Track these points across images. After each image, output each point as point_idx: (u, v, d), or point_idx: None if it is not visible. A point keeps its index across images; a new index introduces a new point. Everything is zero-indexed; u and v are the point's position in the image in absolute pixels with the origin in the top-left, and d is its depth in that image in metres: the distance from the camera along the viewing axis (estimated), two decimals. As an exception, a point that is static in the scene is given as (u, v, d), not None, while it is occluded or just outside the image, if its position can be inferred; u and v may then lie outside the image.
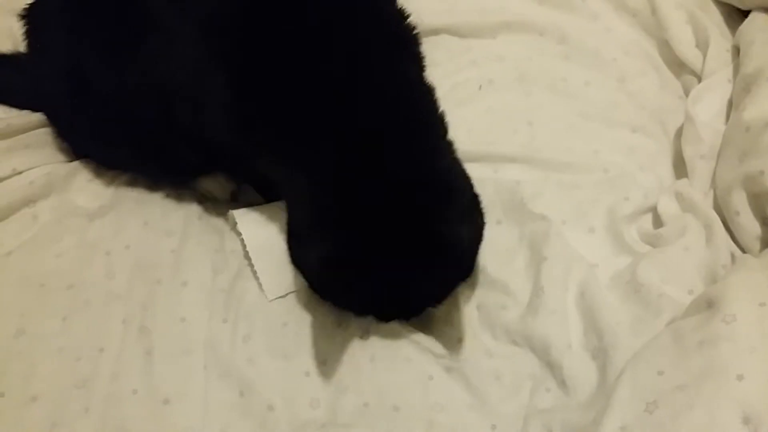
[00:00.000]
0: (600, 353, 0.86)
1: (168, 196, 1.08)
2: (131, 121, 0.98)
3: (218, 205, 1.06)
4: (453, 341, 0.92)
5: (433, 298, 0.90)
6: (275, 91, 0.84)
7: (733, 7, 1.21)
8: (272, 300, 0.95)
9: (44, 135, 1.12)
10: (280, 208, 0.99)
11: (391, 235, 0.81)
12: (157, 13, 0.90)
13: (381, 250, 0.82)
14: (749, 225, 0.95)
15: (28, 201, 1.06)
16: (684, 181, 1.04)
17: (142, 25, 0.91)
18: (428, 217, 0.82)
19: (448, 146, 0.89)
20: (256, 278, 0.97)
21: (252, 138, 0.88)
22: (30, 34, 1.03)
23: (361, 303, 0.89)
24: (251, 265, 0.98)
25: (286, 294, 0.96)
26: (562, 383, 0.86)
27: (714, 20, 1.20)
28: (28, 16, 1.03)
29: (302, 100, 0.83)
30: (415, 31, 0.92)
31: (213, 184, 1.07)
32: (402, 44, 0.91)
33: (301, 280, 0.92)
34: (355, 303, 0.89)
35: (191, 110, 0.91)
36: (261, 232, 0.99)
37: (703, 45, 1.16)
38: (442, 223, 0.81)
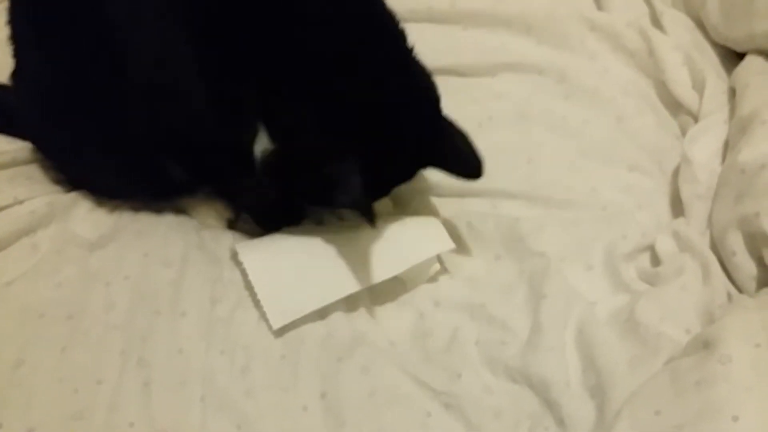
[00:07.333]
0: (598, 391, 0.87)
1: (169, 226, 1.08)
2: (114, 135, 0.97)
3: (218, 235, 1.06)
4: (452, 377, 0.92)
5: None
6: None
7: (730, 49, 1.22)
8: (277, 329, 0.94)
9: (47, 168, 1.13)
10: (280, 239, 0.99)
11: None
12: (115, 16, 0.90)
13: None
14: (745, 265, 0.95)
15: (29, 230, 1.06)
16: (681, 220, 1.05)
17: (104, 23, 0.91)
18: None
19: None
20: (259, 307, 0.96)
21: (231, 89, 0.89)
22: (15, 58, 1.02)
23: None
24: (252, 295, 0.97)
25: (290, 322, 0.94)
26: (561, 422, 0.86)
27: (710, 62, 1.22)
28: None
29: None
30: None
31: (209, 213, 1.07)
32: None
33: (307, 303, 0.93)
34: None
35: (170, 98, 0.91)
36: (262, 260, 0.98)
37: (699, 86, 1.17)
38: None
